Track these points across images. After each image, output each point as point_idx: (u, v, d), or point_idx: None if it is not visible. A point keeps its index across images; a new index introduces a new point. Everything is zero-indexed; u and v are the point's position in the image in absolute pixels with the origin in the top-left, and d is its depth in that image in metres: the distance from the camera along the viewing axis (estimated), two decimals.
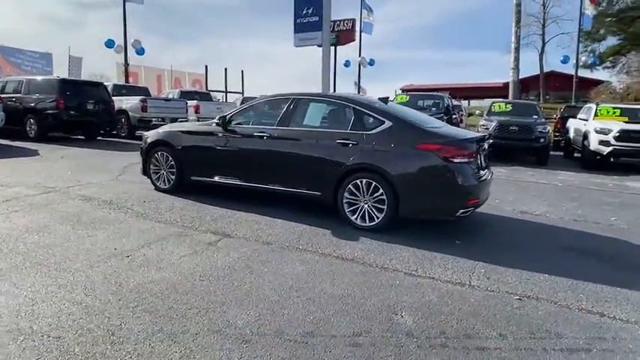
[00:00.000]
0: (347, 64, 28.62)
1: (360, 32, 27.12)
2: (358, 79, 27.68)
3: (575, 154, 12.46)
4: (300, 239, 4.07)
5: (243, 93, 30.76)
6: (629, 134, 9.58)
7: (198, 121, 16.25)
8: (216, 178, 5.35)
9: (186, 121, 14.63)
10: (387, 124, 4.39)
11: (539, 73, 42.05)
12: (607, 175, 9.39)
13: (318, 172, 4.62)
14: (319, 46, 35.83)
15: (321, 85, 35.03)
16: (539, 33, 39.49)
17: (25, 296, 2.71)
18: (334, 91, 31.22)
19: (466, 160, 4.11)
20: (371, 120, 4.51)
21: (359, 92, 28.53)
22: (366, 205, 4.39)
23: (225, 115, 5.28)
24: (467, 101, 43.61)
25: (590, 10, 21.92)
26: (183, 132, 5.67)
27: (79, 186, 6.01)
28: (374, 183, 4.30)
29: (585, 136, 10.57)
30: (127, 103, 13.89)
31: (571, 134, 12.66)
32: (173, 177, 5.68)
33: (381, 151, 4.29)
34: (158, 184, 5.84)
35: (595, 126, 10.25)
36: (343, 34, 34.84)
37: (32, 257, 3.36)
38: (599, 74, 39.76)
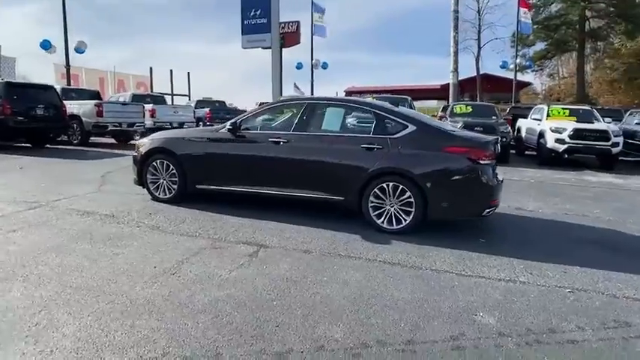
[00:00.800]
0: (299, 66, 28.67)
1: (312, 35, 27.27)
2: (311, 81, 27.75)
3: (527, 152, 13.46)
4: (334, 245, 4.04)
5: (190, 96, 29.79)
6: (582, 132, 10.52)
7: (155, 125, 15.58)
8: (227, 186, 5.17)
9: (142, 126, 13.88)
10: (411, 128, 4.49)
11: (473, 75, 44.81)
12: (564, 170, 10.24)
13: (342, 176, 4.62)
14: (268, 47, 35.67)
15: (272, 87, 34.84)
16: (475, 38, 41.90)
17: (91, 326, 2.46)
18: (281, 93, 31.24)
19: (489, 161, 4.32)
20: (393, 124, 4.59)
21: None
22: (392, 209, 4.46)
23: (236, 121, 5.11)
24: None
25: (526, 18, 23.70)
26: (187, 139, 5.40)
27: (65, 199, 5.52)
28: (401, 186, 4.37)
29: (541, 135, 11.44)
30: (79, 107, 12.91)
31: (523, 133, 13.63)
32: (175, 186, 5.39)
33: (408, 154, 4.38)
34: (157, 194, 5.52)
35: (550, 126, 11.13)
36: (288, 37, 34.79)
37: (67, 281, 3.04)
38: (525, 76, 42.70)
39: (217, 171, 5.19)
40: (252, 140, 5.04)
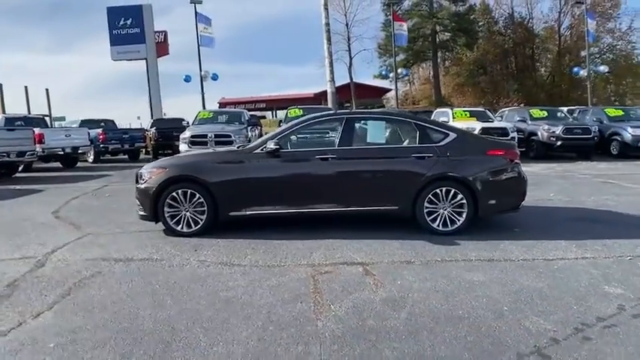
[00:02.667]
0: (187, 79, 27.24)
1: (199, 46, 26.23)
2: (202, 93, 26.63)
3: None
4: (420, 253, 4.22)
5: (50, 115, 25.98)
6: (488, 130, 12.39)
7: (44, 152, 13.35)
8: (269, 210, 4.93)
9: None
10: (452, 135, 4.93)
11: (344, 83, 48.28)
12: None
13: (397, 186, 4.83)
14: (142, 59, 33.03)
15: (150, 100, 32.53)
16: (346, 49, 45.04)
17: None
18: (150, 103, 29.27)
19: (519, 160, 5.01)
20: (435, 134, 4.97)
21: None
22: (445, 212, 4.83)
23: (278, 141, 4.89)
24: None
25: (402, 30, 26.56)
26: (214, 163, 4.97)
27: (61, 249, 4.58)
28: (453, 190, 4.78)
29: None
30: None
31: None
32: (203, 217, 4.91)
33: (457, 160, 4.80)
34: (178, 228, 4.95)
35: (461, 126, 12.85)
36: (158, 47, 32.97)
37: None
38: (383, 82, 46.82)
39: (258, 194, 4.90)
40: (297, 159, 4.91)
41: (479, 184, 4.77)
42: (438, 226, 4.83)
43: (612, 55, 34.11)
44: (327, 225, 5.10)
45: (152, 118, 27.76)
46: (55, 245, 4.73)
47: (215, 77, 27.01)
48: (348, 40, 44.77)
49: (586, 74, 25.35)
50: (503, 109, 17.69)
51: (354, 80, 41.55)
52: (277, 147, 4.79)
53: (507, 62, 39.40)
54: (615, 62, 33.13)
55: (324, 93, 39.07)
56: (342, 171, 4.84)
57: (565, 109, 16.11)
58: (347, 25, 45.01)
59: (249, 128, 13.99)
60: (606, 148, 13.25)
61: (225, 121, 13.95)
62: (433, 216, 4.83)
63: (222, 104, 45.63)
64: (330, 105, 35.82)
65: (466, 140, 4.98)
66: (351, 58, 45.30)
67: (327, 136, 5.52)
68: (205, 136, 12.19)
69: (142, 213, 5.11)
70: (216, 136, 12.19)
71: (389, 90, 50.16)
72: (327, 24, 33.77)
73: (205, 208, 4.90)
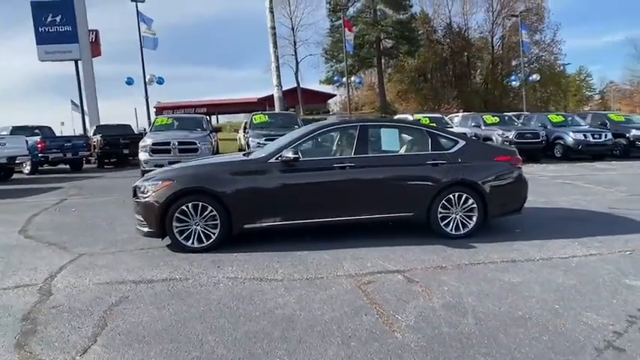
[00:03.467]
0: (129, 81, 25.79)
1: (141, 47, 24.92)
2: (146, 97, 25.27)
3: None
4: (449, 257, 4.32)
5: None
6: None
7: None
8: (287, 220, 4.80)
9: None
10: (462, 142, 5.12)
11: (291, 88, 48.36)
12: None
13: (413, 193, 4.92)
14: (75, 59, 30.93)
15: (87, 104, 30.41)
16: (292, 54, 45.14)
17: None
18: (81, 106, 27.31)
19: (521, 165, 5.31)
20: (445, 141, 5.13)
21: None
22: (457, 216, 5.00)
23: (284, 149, 4.78)
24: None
25: (350, 37, 27.13)
26: (228, 172, 4.77)
27: (62, 273, 4.14)
28: (465, 195, 4.97)
29: None
30: None
31: None
32: (215, 230, 4.67)
33: (469, 166, 5.00)
34: (188, 243, 4.67)
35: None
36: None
37: None
38: (329, 88, 47.56)
39: (274, 206, 4.76)
40: (314, 167, 4.83)
41: (488, 188, 5.00)
42: (451, 230, 4.99)
43: (538, 65, 37.42)
44: (337, 234, 5.07)
45: (86, 125, 25.91)
46: (50, 269, 4.25)
47: (161, 81, 25.83)
48: (295, 44, 44.90)
49: (518, 83, 27.53)
50: (455, 115, 18.69)
51: (297, 85, 41.73)
52: (297, 156, 4.67)
53: (446, 70, 41.74)
54: (541, 72, 36.36)
55: (269, 98, 38.87)
56: (361, 179, 4.85)
57: (511, 114, 17.36)
58: (293, 29, 45.16)
59: (211, 135, 13.54)
60: (550, 151, 14.46)
61: (186, 128, 13.35)
62: (446, 221, 4.98)
63: (158, 109, 43.55)
64: (277, 110, 35.69)
65: (475, 147, 5.21)
66: (297, 63, 45.45)
67: (333, 143, 5.49)
68: (168, 143, 11.59)
69: (145, 229, 4.76)
70: (180, 143, 11.64)
71: (333, 95, 51.13)
72: (273, 27, 33.58)
73: (218, 222, 4.66)
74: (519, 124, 15.46)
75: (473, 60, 41.79)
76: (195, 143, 11.71)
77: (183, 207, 4.61)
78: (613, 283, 3.63)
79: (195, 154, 11.63)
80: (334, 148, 5.30)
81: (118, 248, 4.96)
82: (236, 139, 19.20)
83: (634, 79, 47.21)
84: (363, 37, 38.86)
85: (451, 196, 4.95)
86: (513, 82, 27.89)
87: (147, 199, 4.68)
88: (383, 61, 42.25)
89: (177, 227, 4.63)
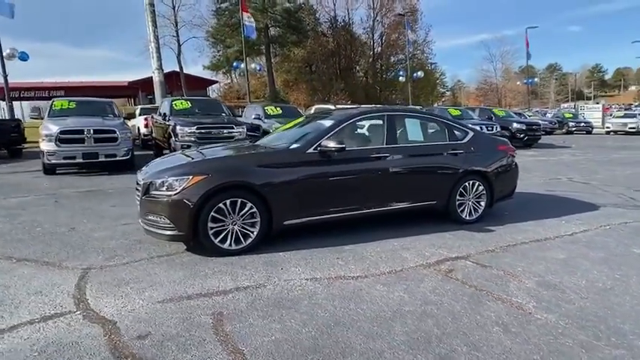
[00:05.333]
0: None
1: None
2: (4, 75, 20.81)
3: None
4: (484, 241, 4.63)
5: None
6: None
7: None
8: (325, 215, 4.59)
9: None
10: (471, 133, 5.50)
11: (169, 71, 44.87)
12: None
13: (438, 182, 5.15)
14: None
15: None
16: (174, 35, 41.78)
17: None
18: None
19: (515, 153, 5.92)
20: (458, 131, 5.44)
21: None
22: (470, 202, 5.39)
23: (324, 139, 4.53)
24: None
25: (250, 21, 26.18)
26: (265, 164, 4.33)
27: (115, 290, 3.34)
28: (477, 182, 5.37)
29: None
30: None
31: None
32: (254, 229, 4.24)
33: (480, 155, 5.40)
34: (224, 245, 4.15)
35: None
36: None
37: None
38: (207, 74, 45.51)
39: (313, 199, 4.48)
40: (353, 158, 4.67)
41: (494, 176, 5.49)
42: (466, 216, 5.35)
43: (413, 63, 41.42)
44: (359, 227, 5.01)
45: None
46: (67, 290, 3.36)
47: (25, 57, 21.49)
48: (176, 24, 41.60)
49: (404, 79, 30.20)
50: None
51: (180, 70, 38.97)
52: (342, 146, 4.45)
53: (333, 62, 43.33)
54: (415, 69, 40.36)
55: (142, 82, 35.53)
56: (397, 170, 4.87)
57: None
58: (174, 8, 41.71)
59: (124, 121, 11.91)
60: None
61: (93, 114, 11.47)
62: (462, 208, 5.33)
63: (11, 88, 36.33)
64: (158, 95, 32.95)
65: (482, 137, 5.64)
66: (179, 45, 42.28)
67: (362, 133, 5.38)
68: (82, 131, 9.87)
69: (168, 233, 4.07)
70: (96, 131, 10.02)
71: (215, 82, 49.06)
72: (152, 4, 30.76)
73: (258, 219, 4.23)
74: (476, 119, 17.15)
75: (354, 55, 44.23)
76: (114, 131, 10.20)
77: (220, 205, 4.06)
78: (631, 252, 4.33)
79: (113, 145, 10.22)
80: (366, 138, 5.20)
81: (129, 258, 4.13)
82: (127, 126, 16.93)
83: (484, 78, 55.69)
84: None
85: (467, 184, 5.30)
86: (400, 78, 30.56)
87: (174, 197, 3.99)
88: (271, 49, 41.96)
89: (212, 228, 4.06)
